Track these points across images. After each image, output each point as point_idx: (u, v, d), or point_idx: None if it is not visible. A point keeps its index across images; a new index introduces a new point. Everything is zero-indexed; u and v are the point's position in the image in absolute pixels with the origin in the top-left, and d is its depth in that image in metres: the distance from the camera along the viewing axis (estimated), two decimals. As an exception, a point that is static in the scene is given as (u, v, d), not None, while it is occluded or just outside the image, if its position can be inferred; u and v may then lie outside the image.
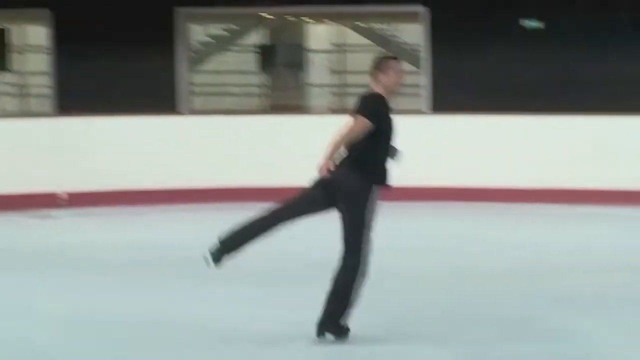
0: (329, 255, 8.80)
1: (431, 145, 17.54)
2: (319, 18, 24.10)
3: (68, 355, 8.66)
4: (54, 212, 15.64)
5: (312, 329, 9.00)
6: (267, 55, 24.11)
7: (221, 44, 25.15)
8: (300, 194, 8.31)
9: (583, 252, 13.43)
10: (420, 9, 19.31)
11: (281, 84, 24.37)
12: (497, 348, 9.12)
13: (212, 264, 7.91)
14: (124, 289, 10.72)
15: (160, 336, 8.66)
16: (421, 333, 9.75)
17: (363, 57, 23.61)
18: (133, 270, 11.78)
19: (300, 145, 17.33)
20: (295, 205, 8.26)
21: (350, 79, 24.88)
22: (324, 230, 9.86)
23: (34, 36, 24.31)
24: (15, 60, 24.12)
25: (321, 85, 24.73)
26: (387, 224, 14.93)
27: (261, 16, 23.49)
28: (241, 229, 8.10)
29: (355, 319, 9.22)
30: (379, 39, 24.66)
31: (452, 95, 19.38)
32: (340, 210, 7.98)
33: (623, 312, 10.12)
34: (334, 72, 25.26)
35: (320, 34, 25.23)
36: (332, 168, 7.82)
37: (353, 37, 25.17)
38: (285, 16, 24.05)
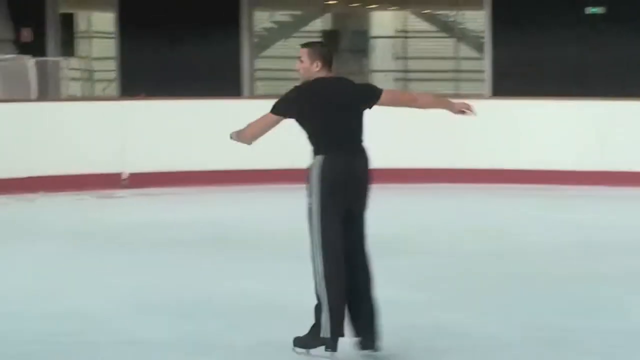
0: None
1: (492, 129, 17.22)
2: (383, 4, 24.19)
3: (141, 330, 8.56)
4: (119, 192, 15.85)
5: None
6: (330, 42, 23.79)
7: (285, 30, 25.43)
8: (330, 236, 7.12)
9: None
10: (483, -5, 19.25)
11: (345, 70, 23.50)
12: (560, 321, 9.04)
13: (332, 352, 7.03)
14: (192, 265, 10.76)
15: (230, 309, 8.61)
16: (484, 306, 9.77)
17: (426, 43, 23.87)
18: (201, 246, 11.78)
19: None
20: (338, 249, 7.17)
21: (413, 64, 24.88)
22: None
23: (100, 22, 24.55)
24: (82, 45, 24.49)
25: (384, 71, 24.57)
26: (452, 204, 15.31)
27: (325, 3, 23.67)
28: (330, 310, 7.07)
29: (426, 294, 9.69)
30: (442, 25, 24.75)
31: (513, 80, 19.49)
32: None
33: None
34: (397, 58, 25.05)
35: (384, 21, 25.22)
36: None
37: (416, 24, 25.10)
38: (350, 3, 24.29)
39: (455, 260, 11.71)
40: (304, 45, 7.27)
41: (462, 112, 7.26)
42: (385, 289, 9.04)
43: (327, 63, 7.07)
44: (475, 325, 8.94)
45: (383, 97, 6.99)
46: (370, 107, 7.02)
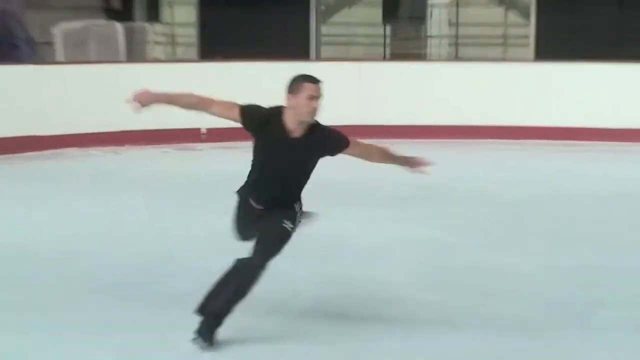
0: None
1: (536, 90, 18.15)
2: None
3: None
4: (198, 145, 16.76)
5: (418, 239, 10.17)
6: (391, 9, 24.94)
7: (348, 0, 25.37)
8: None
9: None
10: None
11: (404, 35, 25.03)
12: (610, 262, 9.54)
13: None
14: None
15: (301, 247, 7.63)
16: (532, 248, 10.26)
17: (478, 10, 24.28)
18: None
19: (420, 90, 18.16)
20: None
21: (465, 31, 24.66)
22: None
23: None
24: (165, 12, 25.04)
25: (439, 36, 24.65)
26: (493, 157, 16.20)
27: None
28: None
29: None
30: None
31: (557, 44, 20.46)
32: None
33: None
34: (451, 24, 24.88)
35: None
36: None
37: None
38: None
39: (497, 208, 12.25)
40: (310, 79, 6.68)
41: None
42: (435, 231, 10.58)
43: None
44: (522, 265, 9.43)
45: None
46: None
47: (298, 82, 6.54)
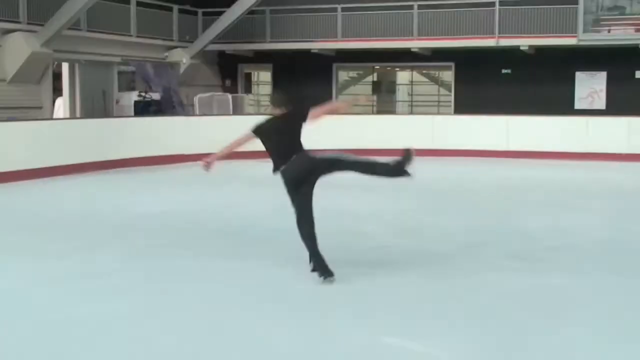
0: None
1: (456, 130, 17.98)
2: (402, 68, 23.74)
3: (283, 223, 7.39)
4: None
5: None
6: (377, 86, 24.48)
7: (354, 81, 25.09)
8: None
9: None
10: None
11: (383, 100, 24.22)
12: (496, 223, 9.15)
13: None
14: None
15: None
16: (455, 215, 10.02)
17: (424, 87, 23.93)
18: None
19: (392, 130, 17.40)
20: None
21: (417, 98, 23.89)
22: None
23: (263, 76, 25.00)
24: (254, 88, 25.10)
25: (402, 101, 23.89)
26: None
27: (374, 66, 23.84)
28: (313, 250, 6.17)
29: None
30: (430, 77, 24.27)
31: (467, 104, 20.47)
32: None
33: None
34: (409, 94, 24.03)
35: (403, 75, 24.62)
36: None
37: (418, 77, 24.19)
38: (386, 66, 24.09)
39: (435, 193, 11.74)
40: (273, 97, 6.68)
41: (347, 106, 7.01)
42: (401, 205, 10.27)
43: (277, 105, 6.37)
44: (450, 224, 9.06)
45: (309, 116, 6.26)
46: (305, 122, 6.27)
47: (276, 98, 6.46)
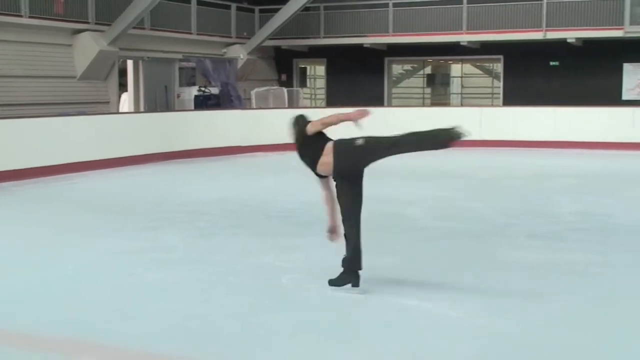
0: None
1: (505, 122, 18.39)
2: (455, 61, 24.06)
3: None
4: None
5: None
6: (430, 79, 25.15)
7: (408, 74, 25.61)
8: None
9: None
10: None
11: (435, 92, 24.81)
12: (526, 206, 10.17)
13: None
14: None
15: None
16: (490, 201, 10.71)
17: (476, 79, 24.23)
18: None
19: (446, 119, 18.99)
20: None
21: (469, 90, 24.35)
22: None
23: (318, 70, 25.42)
24: (310, 82, 25.62)
25: (455, 94, 24.40)
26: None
27: (426, 60, 24.20)
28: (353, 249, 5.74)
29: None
30: (483, 69, 24.56)
31: (519, 97, 20.51)
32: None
33: None
34: (462, 86, 24.44)
35: (455, 68, 24.87)
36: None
37: (470, 69, 24.50)
38: (440, 60, 24.34)
39: (475, 180, 12.38)
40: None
41: (360, 117, 5.56)
42: (441, 192, 10.75)
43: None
44: (485, 209, 9.95)
45: (308, 129, 5.72)
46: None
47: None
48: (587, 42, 20.43)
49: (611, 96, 20.21)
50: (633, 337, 4.89)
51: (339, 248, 5.87)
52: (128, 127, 15.67)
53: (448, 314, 5.35)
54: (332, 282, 5.77)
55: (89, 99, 17.93)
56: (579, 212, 9.43)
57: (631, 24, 19.32)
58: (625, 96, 20.58)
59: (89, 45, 17.86)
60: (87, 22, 18.06)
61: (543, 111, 18.64)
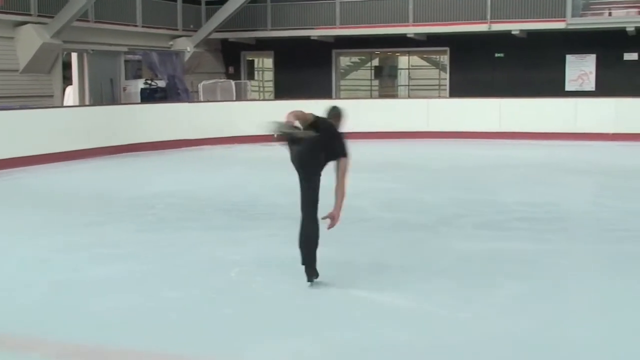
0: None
1: (450, 113, 18.47)
2: (402, 53, 23.78)
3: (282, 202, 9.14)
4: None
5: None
6: (378, 71, 24.89)
7: (355, 66, 25.31)
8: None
9: None
10: None
11: (383, 84, 24.53)
12: (476, 196, 10.27)
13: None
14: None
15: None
16: (441, 191, 10.99)
17: (423, 72, 24.14)
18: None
19: (392, 111, 18.38)
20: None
21: (416, 82, 24.18)
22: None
23: (266, 63, 25.10)
24: (257, 75, 25.42)
25: (403, 85, 23.99)
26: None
27: (374, 52, 24.01)
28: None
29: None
30: (431, 61, 24.43)
31: (464, 89, 20.61)
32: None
33: None
34: (410, 79, 24.19)
35: (402, 60, 24.53)
36: None
37: (417, 61, 24.38)
38: (387, 52, 24.14)
39: (426, 171, 12.53)
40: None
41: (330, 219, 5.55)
42: (390, 184, 10.75)
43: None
44: (435, 199, 9.81)
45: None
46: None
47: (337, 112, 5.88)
48: (531, 34, 20.67)
49: (554, 87, 20.49)
50: (582, 324, 4.96)
51: (288, 240, 5.85)
52: (73, 120, 15.46)
53: (397, 303, 5.35)
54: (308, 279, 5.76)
55: (32, 92, 17.64)
56: (526, 202, 9.53)
57: (573, 16, 19.65)
58: (568, 87, 20.88)
59: (31, 38, 17.53)
60: (29, 14, 17.73)
61: (489, 102, 18.84)
